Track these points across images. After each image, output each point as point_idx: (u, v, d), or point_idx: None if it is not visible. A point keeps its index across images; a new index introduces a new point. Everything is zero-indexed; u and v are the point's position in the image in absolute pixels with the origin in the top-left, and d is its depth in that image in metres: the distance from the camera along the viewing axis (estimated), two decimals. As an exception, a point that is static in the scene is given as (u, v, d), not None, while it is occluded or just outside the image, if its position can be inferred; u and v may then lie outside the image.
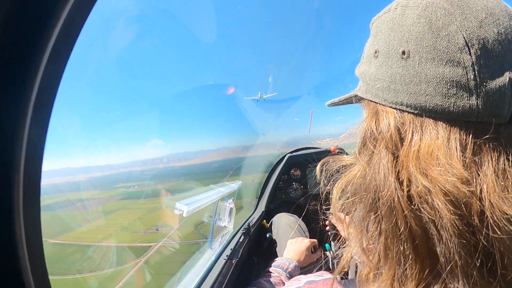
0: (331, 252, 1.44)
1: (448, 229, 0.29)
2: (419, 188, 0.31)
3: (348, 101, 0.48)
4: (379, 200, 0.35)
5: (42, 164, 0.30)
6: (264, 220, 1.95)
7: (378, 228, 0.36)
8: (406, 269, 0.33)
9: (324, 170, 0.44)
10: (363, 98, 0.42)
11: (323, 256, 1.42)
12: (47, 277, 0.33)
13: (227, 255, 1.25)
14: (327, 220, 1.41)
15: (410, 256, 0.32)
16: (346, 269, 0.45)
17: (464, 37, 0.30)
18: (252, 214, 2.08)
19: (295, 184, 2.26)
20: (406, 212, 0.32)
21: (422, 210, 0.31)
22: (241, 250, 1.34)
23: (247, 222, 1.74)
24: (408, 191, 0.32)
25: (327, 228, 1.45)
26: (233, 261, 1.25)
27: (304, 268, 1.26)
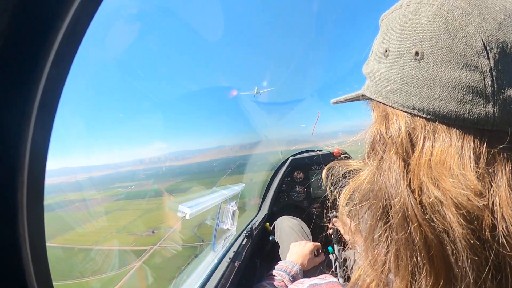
0: (334, 255, 1.43)
1: (461, 242, 0.28)
2: (431, 199, 0.29)
3: (354, 100, 0.47)
4: (390, 208, 0.33)
5: (46, 166, 0.30)
6: (267, 223, 1.94)
7: (389, 237, 0.34)
8: (420, 281, 0.31)
9: (330, 175, 0.43)
10: (371, 98, 0.40)
11: (330, 259, 1.42)
12: (50, 279, 0.33)
13: (229, 258, 1.25)
14: (330, 223, 1.40)
15: (425, 268, 0.30)
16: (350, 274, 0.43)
17: (482, 40, 0.28)
18: (255, 216, 2.07)
19: (298, 187, 2.25)
20: (421, 221, 0.30)
21: (435, 220, 0.29)
22: (244, 253, 1.33)
23: (250, 225, 1.73)
24: (420, 200, 0.31)
25: (330, 231, 1.44)
26: (236, 263, 1.24)
27: (307, 271, 1.25)
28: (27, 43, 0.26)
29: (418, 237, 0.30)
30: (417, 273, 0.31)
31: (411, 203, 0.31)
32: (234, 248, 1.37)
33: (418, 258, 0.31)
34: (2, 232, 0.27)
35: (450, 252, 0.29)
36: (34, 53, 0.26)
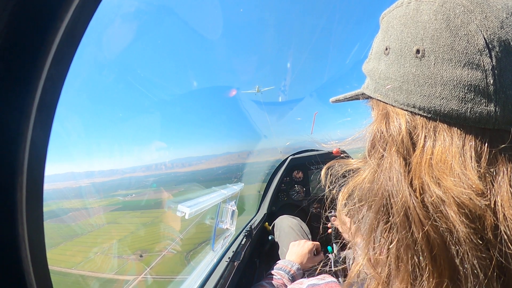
0: (334, 254, 1.43)
1: (465, 241, 0.27)
2: (433, 198, 0.29)
3: (354, 98, 0.46)
4: (391, 207, 0.32)
5: (45, 166, 0.30)
6: (266, 223, 1.94)
7: (389, 237, 0.33)
8: (422, 282, 0.30)
9: (329, 174, 0.43)
10: (371, 97, 0.40)
11: (329, 258, 1.42)
12: (49, 279, 0.33)
13: (229, 258, 1.25)
14: (329, 222, 1.41)
15: (427, 268, 0.30)
16: (353, 280, 0.43)
17: (484, 38, 0.28)
18: (254, 216, 2.08)
19: (297, 187, 2.25)
20: (423, 220, 0.30)
21: (438, 219, 0.29)
22: (243, 253, 1.33)
23: (249, 224, 1.74)
24: (422, 199, 0.30)
25: (330, 230, 1.44)
26: (235, 263, 1.24)
27: (307, 270, 1.25)
28: (26, 43, 0.26)
29: (420, 236, 0.30)
30: (418, 274, 0.31)
31: (413, 202, 0.30)
32: (233, 247, 1.37)
33: (420, 258, 0.30)
34: (1, 232, 0.27)
35: (454, 252, 0.28)
36: (33, 52, 0.26)
